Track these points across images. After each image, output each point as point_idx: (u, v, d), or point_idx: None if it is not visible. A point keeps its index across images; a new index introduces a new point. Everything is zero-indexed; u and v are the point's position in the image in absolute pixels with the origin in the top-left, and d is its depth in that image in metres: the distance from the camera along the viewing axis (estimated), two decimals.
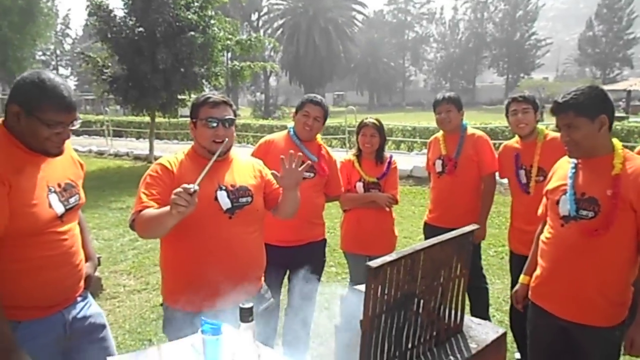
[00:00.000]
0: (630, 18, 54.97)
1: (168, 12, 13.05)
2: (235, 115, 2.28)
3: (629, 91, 29.35)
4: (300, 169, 2.27)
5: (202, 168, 2.06)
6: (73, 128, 1.84)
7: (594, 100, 2.14)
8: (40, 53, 48.83)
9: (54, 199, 1.84)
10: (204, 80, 14.42)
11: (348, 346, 1.39)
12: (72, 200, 1.92)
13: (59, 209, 1.85)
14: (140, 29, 13.19)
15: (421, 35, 65.03)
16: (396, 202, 3.65)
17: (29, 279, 1.79)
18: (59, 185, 1.89)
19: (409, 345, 1.37)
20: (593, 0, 60.58)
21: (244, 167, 2.37)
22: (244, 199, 2.23)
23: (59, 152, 1.86)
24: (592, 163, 2.20)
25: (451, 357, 1.40)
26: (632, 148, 3.22)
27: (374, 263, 1.16)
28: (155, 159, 15.14)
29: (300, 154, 2.31)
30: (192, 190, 1.74)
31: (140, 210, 2.02)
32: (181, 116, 17.28)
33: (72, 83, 62.91)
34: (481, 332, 1.56)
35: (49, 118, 1.74)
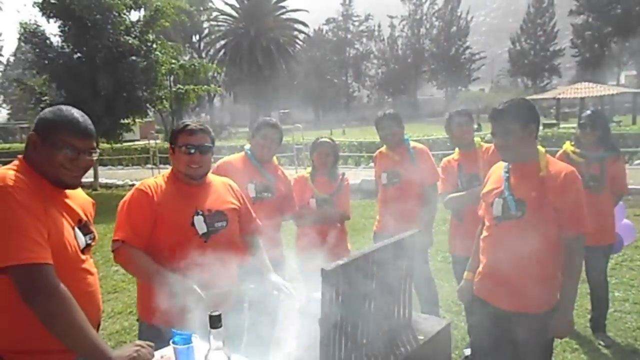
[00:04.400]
0: (554, 31, 58.61)
1: (107, 37, 12.91)
2: (212, 142, 2.40)
3: (558, 99, 31.17)
4: None
5: (180, 193, 2.27)
6: (91, 157, 1.84)
7: (525, 111, 2.43)
8: None
9: (78, 233, 1.83)
10: (148, 104, 14.29)
11: (308, 348, 1.53)
12: (88, 237, 1.88)
13: (82, 242, 1.84)
14: (78, 55, 12.97)
15: (362, 52, 66.59)
16: (348, 218, 3.81)
17: None
18: (80, 222, 1.86)
19: (364, 341, 1.52)
20: (520, 15, 64.12)
21: (221, 191, 2.48)
22: (219, 224, 2.34)
23: (75, 183, 1.85)
24: (520, 168, 2.46)
25: (401, 349, 1.56)
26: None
27: (327, 266, 1.30)
28: (100, 185, 14.82)
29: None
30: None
31: (127, 242, 2.13)
32: (125, 141, 16.95)
33: (4, 112, 60.15)
34: (427, 325, 1.74)
35: (60, 140, 1.75)
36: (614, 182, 3.83)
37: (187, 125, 2.33)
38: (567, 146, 3.94)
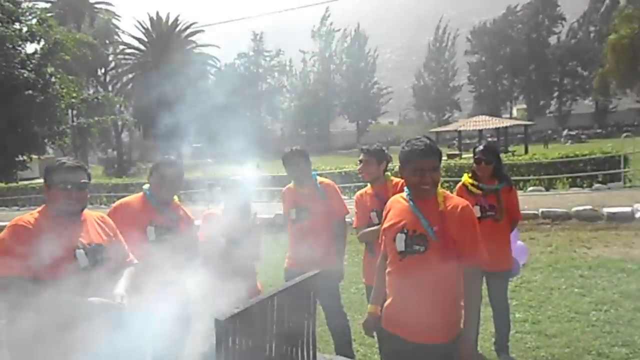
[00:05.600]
0: (454, 69, 63.21)
1: (0, 70, 12.08)
2: (89, 178, 2.48)
3: (460, 131, 33.23)
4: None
5: (59, 228, 2.28)
6: None
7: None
8: None
9: None
10: (45, 140, 13.43)
11: None
12: None
13: None
14: None
15: (274, 86, 67.33)
16: (259, 260, 3.72)
17: None
18: None
19: None
20: (423, 53, 68.38)
21: (98, 225, 2.56)
22: (99, 256, 2.41)
23: None
24: (421, 203, 2.53)
25: None
26: None
27: (221, 316, 1.24)
28: None
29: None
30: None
31: (21, 274, 2.09)
32: (21, 179, 15.74)
33: None
34: None
35: None
36: (508, 211, 4.08)
37: (64, 163, 2.41)
38: (466, 178, 4.16)
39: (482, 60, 58.25)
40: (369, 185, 3.84)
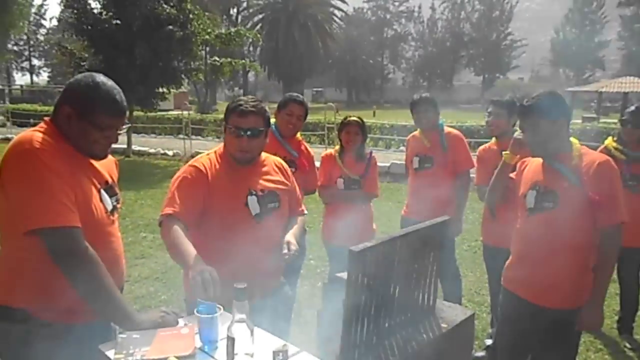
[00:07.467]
0: (603, 22, 56.42)
1: (145, 5, 12.98)
2: (267, 124, 2.27)
3: (600, 92, 30.08)
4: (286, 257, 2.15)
5: (233, 172, 2.20)
6: (121, 132, 1.84)
7: (553, 105, 2.34)
8: (12, 43, 47.74)
9: (104, 195, 1.84)
10: (183, 75, 14.39)
11: (330, 327, 1.52)
12: (114, 199, 1.90)
13: (109, 205, 1.85)
14: (117, 22, 13.09)
15: (400, 33, 65.37)
16: (376, 196, 3.79)
17: None
18: (106, 184, 1.88)
19: (386, 325, 1.51)
20: (566, 3, 61.84)
21: (273, 171, 2.40)
22: (272, 205, 2.27)
23: (105, 156, 1.87)
24: (555, 160, 2.38)
25: (423, 335, 1.55)
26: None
27: (356, 248, 1.28)
28: (133, 152, 15.09)
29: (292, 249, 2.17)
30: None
31: (173, 215, 2.03)
32: (159, 110, 17.16)
33: (45, 75, 61.55)
34: (451, 313, 1.72)
35: (101, 122, 1.75)
36: None
37: (240, 104, 2.20)
38: (609, 142, 3.80)
39: (638, 14, 51.26)
40: (493, 139, 3.66)
